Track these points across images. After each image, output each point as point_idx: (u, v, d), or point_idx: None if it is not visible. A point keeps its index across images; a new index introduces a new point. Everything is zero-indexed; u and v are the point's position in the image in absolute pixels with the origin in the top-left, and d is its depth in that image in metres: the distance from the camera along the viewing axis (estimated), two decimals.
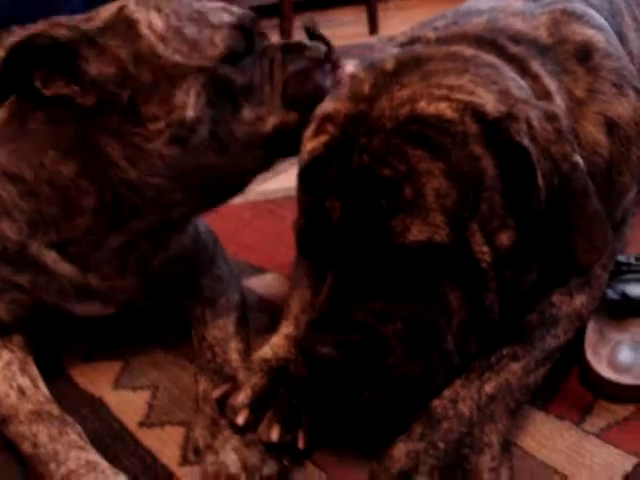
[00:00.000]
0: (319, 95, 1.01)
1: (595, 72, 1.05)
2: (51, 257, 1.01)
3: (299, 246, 0.95)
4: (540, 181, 0.83)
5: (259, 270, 1.43)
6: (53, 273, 1.02)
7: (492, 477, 0.81)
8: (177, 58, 0.93)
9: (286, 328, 1.03)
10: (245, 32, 0.99)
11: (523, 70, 0.98)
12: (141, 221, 1.00)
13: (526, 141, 0.83)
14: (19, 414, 0.95)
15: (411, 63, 0.92)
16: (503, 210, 0.85)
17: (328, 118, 0.91)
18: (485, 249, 0.84)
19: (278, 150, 1.03)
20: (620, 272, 1.14)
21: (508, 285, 0.89)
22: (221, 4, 1.01)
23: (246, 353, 1.07)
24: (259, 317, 1.24)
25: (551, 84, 1.00)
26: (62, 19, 0.93)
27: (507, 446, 0.88)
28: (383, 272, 0.85)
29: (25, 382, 1.00)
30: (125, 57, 0.91)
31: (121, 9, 0.94)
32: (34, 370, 1.04)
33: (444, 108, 0.84)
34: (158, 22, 0.94)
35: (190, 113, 0.92)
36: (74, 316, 1.12)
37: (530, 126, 0.85)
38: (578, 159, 0.87)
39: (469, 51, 0.96)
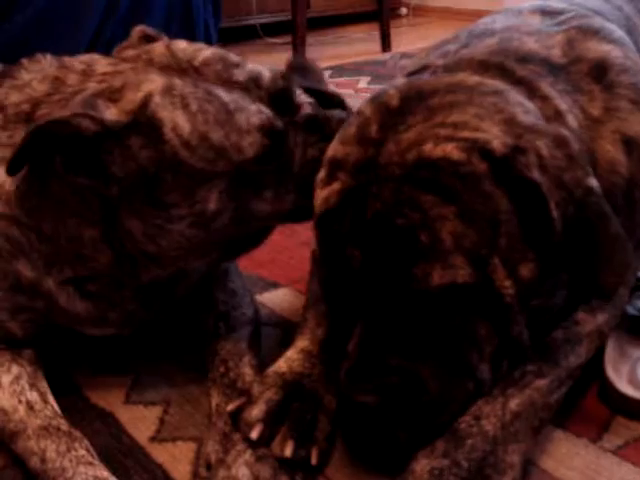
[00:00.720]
0: None
1: (611, 89, 1.04)
2: (66, 294, 1.01)
3: (324, 293, 0.98)
4: (554, 213, 0.82)
5: (272, 285, 1.43)
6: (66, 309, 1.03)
7: None
8: (201, 165, 0.90)
9: (301, 342, 1.02)
10: (273, 135, 0.95)
11: (531, 92, 0.97)
12: (158, 275, 1.02)
13: (536, 174, 0.82)
14: (27, 429, 0.94)
15: (415, 98, 0.91)
16: (521, 243, 0.84)
17: (338, 164, 0.91)
18: (507, 283, 0.83)
19: (293, 220, 1.06)
20: (638, 288, 1.12)
21: (536, 313, 0.89)
22: (253, 73, 0.97)
23: (259, 367, 1.06)
24: (272, 331, 1.24)
25: (562, 104, 0.98)
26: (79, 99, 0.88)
27: (526, 466, 0.87)
28: (411, 315, 0.85)
29: (34, 397, 0.99)
30: (147, 159, 0.89)
31: (146, 101, 0.89)
32: (44, 384, 1.03)
33: (450, 150, 0.83)
34: (184, 125, 0.90)
35: (211, 206, 0.92)
36: (88, 335, 1.12)
37: (539, 156, 0.84)
38: (593, 183, 0.86)
39: (473, 79, 0.95)
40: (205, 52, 0.97)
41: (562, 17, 1.17)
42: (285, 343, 1.16)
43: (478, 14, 4.39)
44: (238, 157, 0.92)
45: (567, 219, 0.83)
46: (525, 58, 1.03)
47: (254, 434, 0.87)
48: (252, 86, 0.96)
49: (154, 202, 0.91)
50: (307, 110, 1.04)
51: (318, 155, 0.98)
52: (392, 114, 0.90)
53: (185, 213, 0.92)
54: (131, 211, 0.92)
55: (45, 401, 0.99)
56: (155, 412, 1.06)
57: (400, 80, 1.01)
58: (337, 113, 1.05)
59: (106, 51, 1.06)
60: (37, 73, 1.01)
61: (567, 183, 0.84)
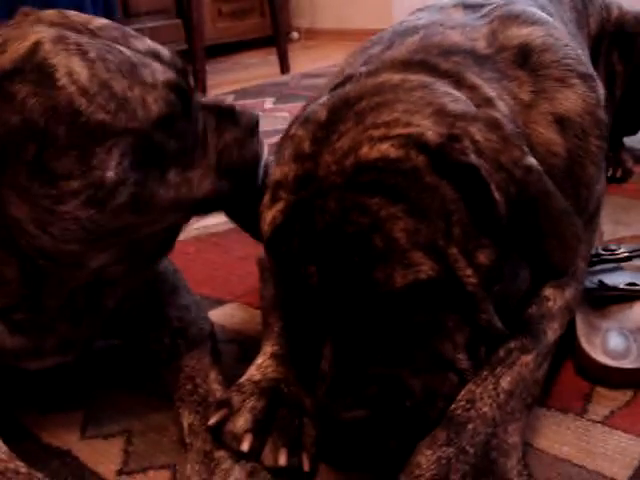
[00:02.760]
0: (254, 165, 0.98)
1: (536, 72, 1.04)
2: None
3: (287, 315, 0.93)
4: (497, 195, 0.81)
5: (217, 302, 1.37)
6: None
7: None
8: (101, 116, 0.80)
9: (270, 347, 0.97)
10: (181, 94, 0.88)
11: (458, 83, 0.97)
12: (72, 283, 0.92)
13: (473, 158, 0.81)
14: None
15: (342, 107, 0.89)
16: (474, 230, 0.83)
17: (279, 184, 0.88)
18: (469, 272, 0.82)
19: (205, 211, 0.99)
20: (592, 263, 1.14)
21: (501, 298, 0.87)
22: (151, 47, 0.90)
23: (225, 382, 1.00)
24: (227, 348, 1.18)
25: (491, 92, 0.98)
26: None
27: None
28: (378, 321, 0.82)
29: None
30: (35, 108, 0.78)
31: (35, 48, 0.79)
32: None
33: (387, 148, 0.82)
34: (81, 70, 0.79)
35: (110, 174, 0.81)
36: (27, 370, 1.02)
37: (474, 141, 0.83)
38: (531, 161, 0.86)
39: (396, 77, 0.94)
40: (101, 20, 0.90)
41: (484, 10, 1.18)
42: (243, 358, 1.12)
43: (368, 33, 4.50)
44: (142, 112, 0.82)
45: (510, 200, 0.82)
46: (449, 51, 1.03)
47: (245, 446, 0.81)
48: (152, 57, 0.89)
49: (41, 172, 0.80)
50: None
51: (234, 141, 0.94)
52: (322, 127, 0.88)
53: (78, 186, 0.80)
54: (15, 191, 0.81)
55: (1, 440, 0.89)
56: (117, 444, 0.98)
57: (323, 97, 0.97)
58: (246, 110, 1.00)
59: None
60: None
61: (505, 164, 0.83)
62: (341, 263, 0.80)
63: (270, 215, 0.88)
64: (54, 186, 0.80)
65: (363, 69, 1.04)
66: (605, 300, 1.07)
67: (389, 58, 1.04)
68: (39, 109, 0.78)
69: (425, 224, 0.80)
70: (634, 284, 1.08)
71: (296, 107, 2.83)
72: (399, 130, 0.83)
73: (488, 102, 0.96)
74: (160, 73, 0.86)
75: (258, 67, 4.15)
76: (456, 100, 0.90)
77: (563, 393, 0.97)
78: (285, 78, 3.61)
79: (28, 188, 0.80)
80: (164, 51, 0.92)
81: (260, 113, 2.97)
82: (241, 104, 3.11)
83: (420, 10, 1.33)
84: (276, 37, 3.78)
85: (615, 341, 1.00)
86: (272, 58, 4.05)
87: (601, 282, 1.09)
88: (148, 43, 0.90)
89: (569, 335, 1.01)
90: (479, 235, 0.83)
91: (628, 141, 1.90)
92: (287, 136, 0.96)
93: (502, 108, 0.97)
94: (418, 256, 0.79)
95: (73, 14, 0.89)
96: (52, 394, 1.10)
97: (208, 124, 0.94)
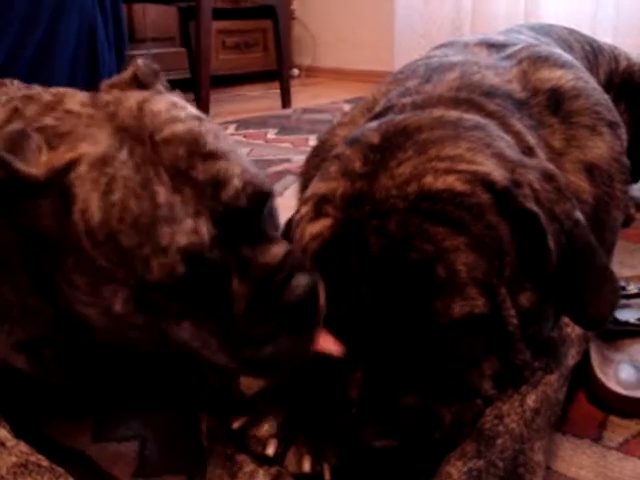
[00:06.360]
0: (281, 371, 0.83)
1: (568, 119, 1.07)
2: (19, 362, 0.92)
3: None
4: (551, 244, 0.83)
5: None
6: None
7: None
8: (103, 263, 0.76)
9: None
10: (197, 264, 0.75)
11: (505, 126, 0.99)
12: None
13: (533, 206, 0.84)
14: (1, 468, 0.83)
15: (399, 134, 0.90)
16: (520, 273, 0.84)
17: (325, 199, 0.88)
18: (513, 312, 0.83)
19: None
20: None
21: (532, 339, 0.88)
22: (219, 174, 0.78)
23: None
24: None
25: (531, 139, 1.01)
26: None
27: None
28: (419, 350, 0.82)
29: (2, 433, 0.88)
30: (49, 229, 0.77)
31: (71, 166, 0.77)
32: (5, 424, 0.92)
33: (453, 181, 0.83)
34: (95, 213, 0.75)
35: (118, 308, 0.78)
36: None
37: (533, 189, 0.85)
38: (579, 215, 0.88)
39: (452, 114, 0.96)
40: (178, 126, 0.80)
41: (509, 50, 1.22)
42: None
43: (368, 74, 4.59)
44: (142, 272, 0.75)
45: (560, 251, 0.84)
46: (489, 93, 1.05)
47: (270, 450, 0.82)
48: (209, 192, 0.77)
49: (58, 269, 0.79)
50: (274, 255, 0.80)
51: (267, 333, 0.78)
52: (375, 150, 0.89)
53: (91, 302, 0.79)
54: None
55: (17, 437, 0.88)
56: (132, 448, 0.98)
57: (372, 123, 0.98)
58: (302, 280, 0.79)
59: None
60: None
61: (559, 215, 0.86)
62: (399, 288, 0.80)
63: (315, 229, 0.87)
64: (71, 290, 0.80)
65: (406, 100, 1.05)
66: (617, 334, 1.10)
67: (435, 93, 1.06)
68: (51, 232, 0.77)
69: (483, 260, 0.81)
70: None
71: (299, 139, 2.88)
72: (464, 166, 0.84)
73: (530, 151, 0.98)
74: (183, 235, 0.75)
75: (259, 100, 4.20)
76: (509, 145, 0.92)
77: (577, 421, 0.98)
78: (287, 112, 3.66)
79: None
80: (234, 181, 0.78)
81: (262, 142, 3.00)
82: (244, 133, 3.12)
83: (444, 46, 1.36)
84: (280, 72, 3.84)
85: (627, 372, 1.02)
86: (273, 92, 4.12)
87: (613, 317, 1.11)
88: (217, 169, 0.78)
89: (581, 366, 1.03)
90: (524, 278, 0.85)
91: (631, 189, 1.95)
92: (322, 157, 0.96)
93: (542, 158, 0.99)
94: (474, 291, 0.80)
95: (154, 111, 0.81)
96: (63, 397, 1.09)
97: (240, 288, 0.78)
